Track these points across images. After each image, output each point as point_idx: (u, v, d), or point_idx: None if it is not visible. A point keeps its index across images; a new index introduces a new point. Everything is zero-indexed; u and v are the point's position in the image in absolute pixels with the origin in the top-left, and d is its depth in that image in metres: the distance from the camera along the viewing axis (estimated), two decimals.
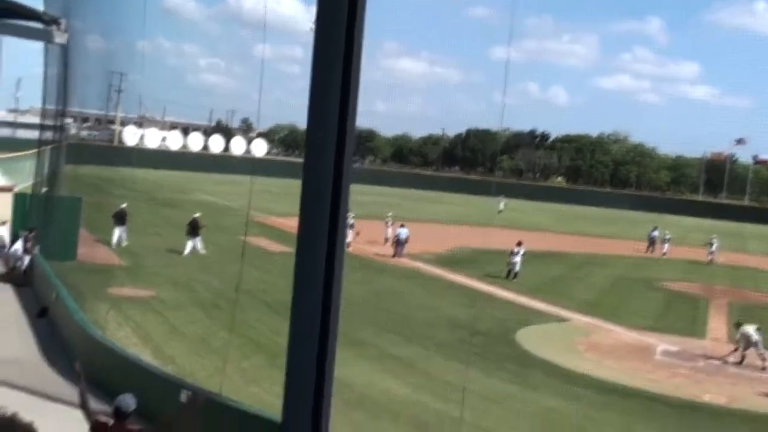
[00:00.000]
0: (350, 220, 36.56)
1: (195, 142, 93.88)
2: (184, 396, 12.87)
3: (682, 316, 27.08)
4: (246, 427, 12.31)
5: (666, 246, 45.14)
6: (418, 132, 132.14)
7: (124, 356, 14.94)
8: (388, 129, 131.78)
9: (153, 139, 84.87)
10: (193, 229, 31.31)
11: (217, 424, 12.66)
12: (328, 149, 2.18)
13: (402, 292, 26.77)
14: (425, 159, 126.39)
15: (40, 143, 33.86)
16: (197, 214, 32.15)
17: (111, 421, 7.85)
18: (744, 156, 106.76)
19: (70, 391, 14.88)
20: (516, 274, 31.44)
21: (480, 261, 35.09)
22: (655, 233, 47.13)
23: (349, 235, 36.58)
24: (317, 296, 2.20)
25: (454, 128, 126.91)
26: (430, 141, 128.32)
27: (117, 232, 31.19)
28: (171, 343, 18.50)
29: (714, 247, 44.13)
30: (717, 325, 26.43)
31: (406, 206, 51.76)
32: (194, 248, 30.91)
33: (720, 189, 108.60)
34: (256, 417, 12.26)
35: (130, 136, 75.51)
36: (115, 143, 73.97)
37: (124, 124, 77.24)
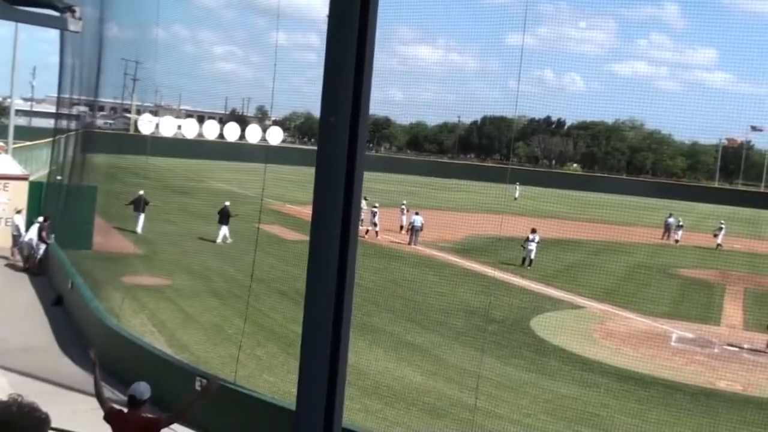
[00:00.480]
0: (374, 209, 36.82)
1: (210, 130, 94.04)
2: (198, 384, 12.94)
3: (697, 302, 26.93)
4: (261, 415, 12.35)
5: (680, 233, 44.82)
6: (433, 119, 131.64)
7: (139, 344, 15.02)
8: (403, 116, 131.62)
9: (168, 127, 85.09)
10: (223, 218, 31.79)
11: (232, 412, 12.72)
12: (342, 136, 2.14)
13: (417, 280, 26.76)
14: (441, 146, 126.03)
15: (55, 132, 34.00)
16: (227, 203, 32.49)
17: (125, 410, 7.87)
18: (760, 142, 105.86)
19: (85, 379, 14.98)
20: (531, 261, 31.37)
21: (495, 248, 34.95)
22: (671, 220, 46.84)
23: (377, 222, 36.70)
24: (331, 284, 2.16)
25: (469, 115, 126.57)
26: (446, 128, 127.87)
27: (140, 219, 31.58)
28: (186, 332, 18.58)
29: (722, 233, 44.00)
30: (732, 311, 26.28)
31: (422, 194, 51.69)
32: (225, 236, 31.31)
33: (736, 175, 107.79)
34: (272, 405, 12.31)
35: (146, 124, 75.66)
36: (131, 131, 74.21)
37: (139, 112, 77.38)
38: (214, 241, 31.23)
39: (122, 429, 7.43)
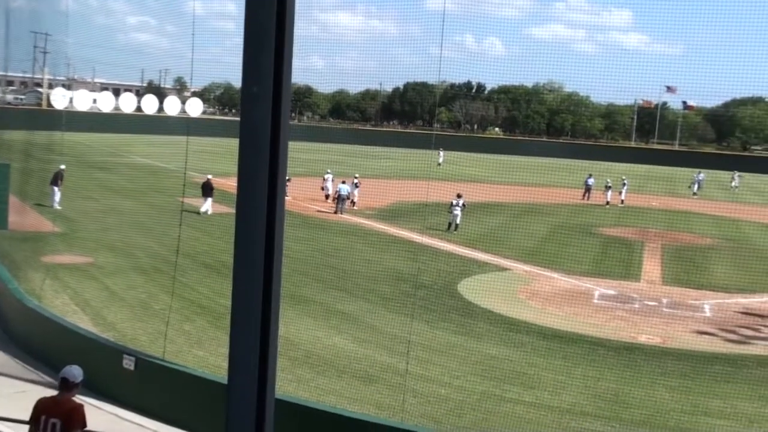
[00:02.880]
0: (355, 180, 36.98)
1: (127, 103, 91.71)
2: (126, 362, 12.76)
3: (618, 260, 27.73)
4: (193, 390, 12.26)
5: (609, 194, 45.82)
6: (355, 87, 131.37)
7: (63, 325, 14.69)
8: (325, 85, 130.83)
9: (83, 101, 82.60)
10: (206, 190, 32.12)
11: (163, 388, 12.58)
12: (265, 106, 2.12)
13: (345, 248, 26.81)
14: (364, 114, 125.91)
15: None
16: (209, 176, 32.15)
17: (56, 393, 7.70)
18: (674, 102, 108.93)
19: (5, 362, 14.62)
20: (457, 226, 31.73)
21: (421, 214, 35.27)
22: (591, 180, 47.91)
23: (355, 193, 36.85)
24: (259, 256, 2.15)
25: (391, 82, 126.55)
26: (368, 96, 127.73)
27: (56, 194, 30.76)
28: (111, 310, 18.23)
29: (624, 188, 46.37)
30: (651, 267, 27.14)
31: (346, 162, 51.61)
32: (208, 209, 31.80)
33: (652, 135, 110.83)
34: (203, 379, 12.23)
35: (59, 98, 73.30)
36: (44, 106, 71.80)
37: (51, 86, 74.91)
38: (198, 213, 31.38)
39: (51, 413, 7.26)
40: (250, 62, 2.15)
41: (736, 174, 64.22)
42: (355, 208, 37.06)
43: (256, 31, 2.13)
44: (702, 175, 58.10)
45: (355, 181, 37.96)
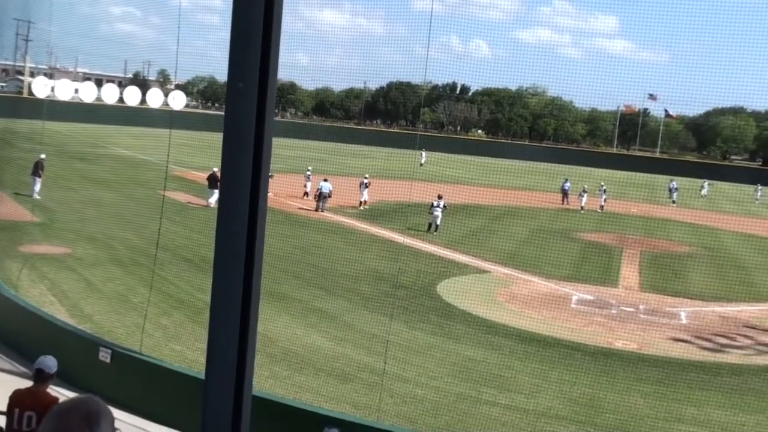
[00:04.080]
0: (365, 179, 36.96)
1: (109, 94, 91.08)
2: (102, 354, 12.68)
3: (596, 265, 27.87)
4: (168, 384, 12.21)
5: (584, 199, 45.98)
6: (340, 85, 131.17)
7: (39, 315, 14.58)
8: (309, 82, 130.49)
9: (65, 90, 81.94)
10: (213, 182, 32.38)
11: (139, 382, 12.52)
12: (250, 102, 2.11)
13: (325, 246, 26.78)
14: (347, 112, 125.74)
15: None
16: (216, 169, 32.12)
17: (30, 383, 7.63)
18: (656, 110, 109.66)
19: None
20: (437, 227, 31.79)
21: (402, 214, 35.32)
22: (568, 185, 48.17)
23: (365, 194, 36.84)
24: (240, 252, 2.14)
25: (376, 81, 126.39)
26: (352, 94, 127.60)
27: (36, 183, 30.62)
28: (88, 301, 18.12)
29: (603, 195, 46.53)
30: (629, 273, 27.32)
31: (328, 160, 51.56)
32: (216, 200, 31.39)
33: (633, 141, 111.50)
34: (180, 374, 12.18)
35: (40, 87, 72.68)
36: (25, 95, 71.16)
37: (33, 75, 74.27)
38: (207, 205, 32.06)
39: (26, 405, 7.20)
40: (236, 58, 2.15)
41: (706, 182, 64.83)
42: (364, 207, 37.32)
43: (244, 27, 2.13)
44: (675, 183, 58.56)
45: (365, 180, 37.91)
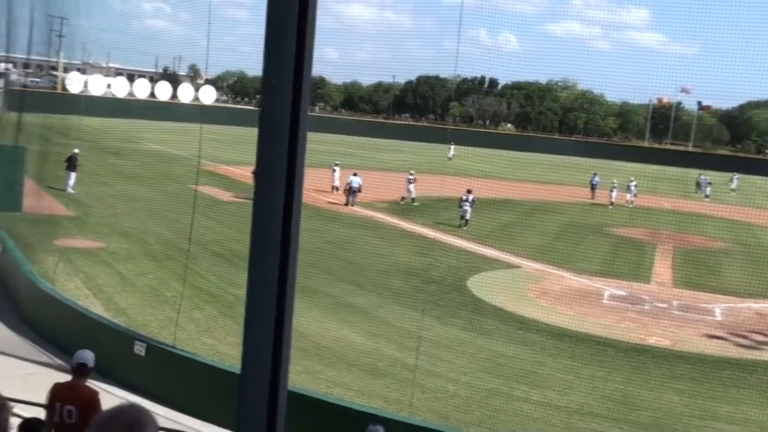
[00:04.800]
0: (410, 175, 37.04)
1: (141, 89, 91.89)
2: (137, 348, 12.81)
3: (629, 261, 27.63)
4: (203, 378, 12.30)
5: (614, 194, 45.56)
6: (368, 79, 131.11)
7: (76, 309, 14.77)
8: (338, 76, 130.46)
9: (97, 86, 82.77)
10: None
11: (174, 375, 12.63)
12: (284, 98, 2.11)
13: (355, 241, 26.80)
14: (376, 106, 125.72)
15: None
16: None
17: (70, 378, 7.74)
18: (689, 102, 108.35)
19: (18, 343, 14.71)
20: (467, 222, 31.68)
21: (432, 209, 35.31)
22: (597, 179, 47.83)
23: (411, 189, 36.92)
24: (275, 246, 2.14)
25: (404, 75, 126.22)
26: (381, 88, 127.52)
27: (71, 178, 31.02)
28: (122, 295, 18.32)
29: (632, 189, 45.99)
30: (662, 269, 27.06)
31: (357, 154, 51.63)
32: None
33: (665, 135, 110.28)
34: (214, 368, 12.27)
35: (74, 83, 73.51)
36: (59, 90, 72.00)
37: (67, 70, 75.12)
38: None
39: (67, 399, 7.30)
40: (270, 54, 2.15)
41: (735, 176, 63.89)
42: (415, 204, 37.26)
43: (278, 23, 2.12)
44: (704, 177, 57.88)
45: (411, 177, 37.90)
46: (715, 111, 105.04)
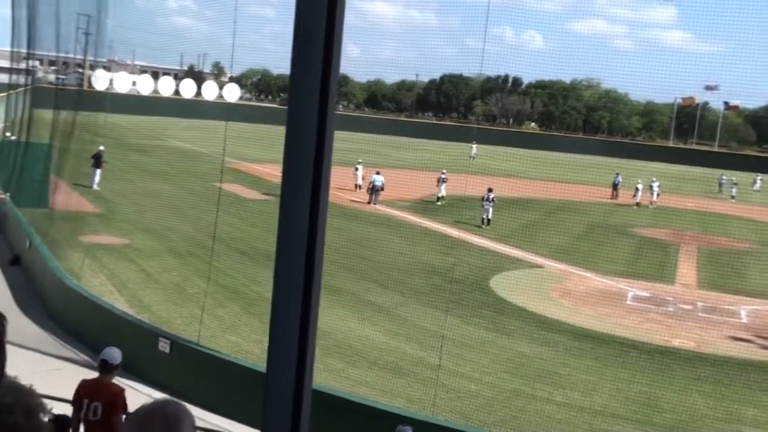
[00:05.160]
0: (442, 175, 36.96)
1: (166, 86, 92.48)
2: (162, 344, 12.90)
3: (652, 261, 27.44)
4: (228, 375, 12.37)
5: (639, 195, 45.24)
6: (392, 77, 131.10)
7: (101, 305, 14.90)
8: (361, 74, 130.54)
9: (123, 83, 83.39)
10: None
11: (198, 373, 12.70)
12: (312, 97, 2.12)
13: (378, 239, 26.81)
14: (399, 105, 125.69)
15: (9, 87, 33.20)
16: None
17: (96, 374, 7.82)
18: (715, 102, 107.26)
19: (43, 339, 14.87)
20: (489, 221, 31.59)
21: (455, 208, 35.24)
22: (619, 179, 47.55)
23: (442, 189, 36.89)
24: (301, 245, 2.16)
25: (428, 74, 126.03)
26: (404, 86, 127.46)
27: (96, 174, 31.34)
28: (146, 292, 18.45)
29: (655, 190, 45.31)
30: (686, 270, 26.84)
31: (380, 152, 51.63)
32: None
33: (690, 135, 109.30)
34: (238, 366, 12.33)
35: (100, 80, 74.08)
36: (84, 87, 72.60)
37: (93, 67, 75.72)
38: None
39: (93, 396, 7.38)
40: (298, 54, 2.16)
41: (759, 177, 63.21)
42: (442, 204, 37.26)
43: (307, 24, 2.14)
44: (725, 177, 57.44)
45: (443, 176, 37.85)
46: (741, 111, 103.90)
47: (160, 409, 2.46)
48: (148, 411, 2.47)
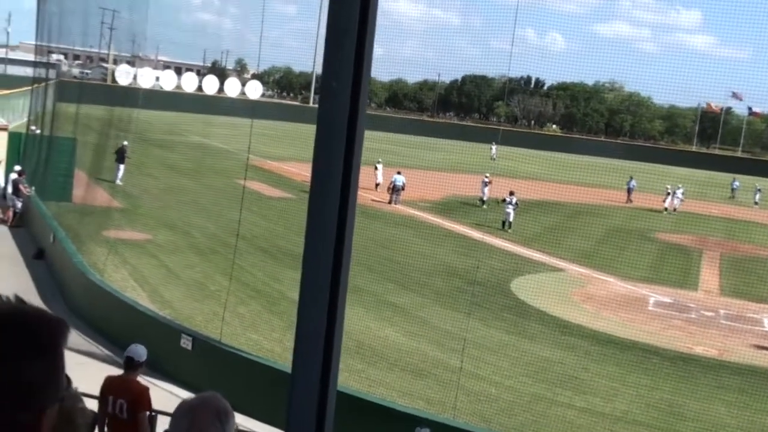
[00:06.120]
0: (486, 178, 36.73)
1: (189, 82, 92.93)
2: (183, 342, 12.93)
3: (675, 267, 27.19)
4: (249, 374, 12.38)
5: (668, 201, 44.80)
6: (414, 77, 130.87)
7: (124, 300, 14.97)
8: (384, 73, 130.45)
9: (146, 78, 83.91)
10: None
11: (220, 370, 12.72)
12: (343, 100, 2.11)
13: (398, 240, 26.76)
14: (420, 104, 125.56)
15: (33, 81, 33.44)
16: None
17: (121, 372, 7.84)
18: (739, 108, 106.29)
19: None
20: (510, 224, 31.45)
21: (475, 209, 35.16)
22: (633, 183, 47.23)
23: (485, 192, 36.62)
24: (329, 245, 2.14)
25: (450, 74, 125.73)
26: (426, 86, 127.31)
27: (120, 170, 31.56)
28: (168, 288, 18.52)
29: (678, 196, 44.89)
30: (709, 276, 26.61)
31: (401, 152, 51.60)
32: None
33: (713, 140, 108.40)
34: (259, 364, 12.33)
35: (123, 75, 74.57)
36: (108, 82, 73.11)
37: (116, 62, 76.25)
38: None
39: (118, 393, 7.39)
40: (330, 57, 2.15)
41: None
42: (485, 207, 37.00)
43: (339, 27, 2.12)
44: (737, 182, 57.08)
45: (486, 179, 37.41)
46: (765, 116, 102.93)
47: (212, 402, 2.50)
48: (199, 403, 2.51)
